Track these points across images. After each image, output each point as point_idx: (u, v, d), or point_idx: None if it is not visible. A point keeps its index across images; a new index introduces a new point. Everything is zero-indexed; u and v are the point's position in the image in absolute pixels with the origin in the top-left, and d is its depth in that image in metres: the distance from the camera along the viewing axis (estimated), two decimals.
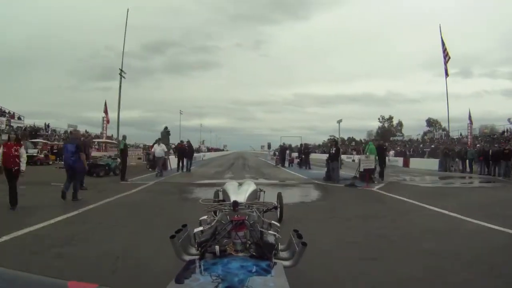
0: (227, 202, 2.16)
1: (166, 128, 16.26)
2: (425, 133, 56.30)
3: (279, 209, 4.62)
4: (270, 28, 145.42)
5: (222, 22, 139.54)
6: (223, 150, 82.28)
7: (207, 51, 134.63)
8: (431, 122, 66.33)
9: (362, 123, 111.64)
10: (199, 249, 1.65)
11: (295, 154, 22.47)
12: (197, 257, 1.62)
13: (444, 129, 55.48)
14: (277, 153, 25.71)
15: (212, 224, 1.87)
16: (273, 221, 2.08)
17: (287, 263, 1.63)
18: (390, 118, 74.72)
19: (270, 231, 1.77)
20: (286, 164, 21.48)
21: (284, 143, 21.09)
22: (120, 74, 39.40)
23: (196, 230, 1.83)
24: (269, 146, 41.09)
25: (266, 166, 21.76)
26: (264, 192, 3.54)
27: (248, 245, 1.68)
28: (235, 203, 1.94)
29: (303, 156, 20.03)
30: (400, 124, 73.30)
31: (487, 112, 78.71)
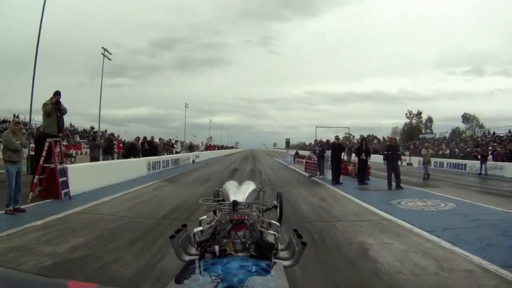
0: (227, 202, 2.11)
1: (56, 94, 6.53)
2: (454, 131, 48.52)
3: (278, 208, 4.45)
4: (280, 25, 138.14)
5: (230, 19, 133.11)
6: (232, 147, 78.87)
7: (216, 48, 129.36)
8: (467, 118, 57.99)
9: (375, 121, 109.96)
10: (199, 249, 1.60)
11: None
12: (196, 257, 1.58)
13: (481, 126, 48.17)
14: (311, 155, 15.88)
15: (212, 223, 1.82)
16: (273, 221, 2.00)
17: (287, 263, 1.57)
18: (419, 113, 66.14)
19: (270, 231, 1.72)
20: (322, 173, 12.00)
21: (338, 138, 10.68)
22: (103, 54, 33.49)
23: (195, 230, 1.77)
24: (287, 144, 31.50)
25: (297, 182, 11.63)
26: (264, 191, 3.64)
27: (247, 245, 1.62)
28: (235, 203, 1.87)
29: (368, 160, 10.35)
30: (430, 120, 64.98)
31: (499, 111, 73.55)
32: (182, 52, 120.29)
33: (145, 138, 13.67)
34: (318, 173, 12.56)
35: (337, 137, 10.73)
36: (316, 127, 16.53)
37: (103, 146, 10.58)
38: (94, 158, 9.88)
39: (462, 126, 54.31)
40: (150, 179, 10.76)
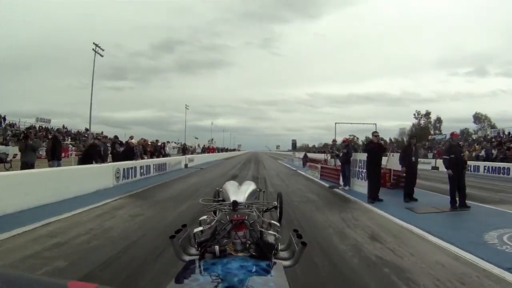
0: (227, 202, 2.08)
1: None
2: (463, 132, 46.11)
3: (279, 209, 4.47)
4: (281, 27, 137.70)
5: (231, 20, 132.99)
6: (234, 150, 77.36)
7: (217, 50, 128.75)
8: (478, 118, 55.97)
9: (378, 123, 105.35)
10: (199, 249, 1.57)
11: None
12: (197, 257, 1.55)
13: (493, 126, 46.25)
14: (327, 158, 12.84)
15: (212, 224, 1.78)
16: (273, 221, 1.95)
17: (287, 263, 1.53)
18: (428, 113, 64.04)
19: (270, 231, 1.66)
20: (348, 183, 9.15)
21: (377, 135, 7.19)
22: (94, 50, 31.79)
23: (195, 230, 1.71)
24: (294, 146, 28.48)
25: (317, 198, 8.53)
26: (264, 192, 3.66)
27: (248, 245, 1.60)
28: (235, 203, 1.83)
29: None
30: (438, 120, 62.98)
31: (502, 111, 71.27)
32: (183, 54, 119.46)
33: (116, 137, 10.69)
34: (342, 183, 9.50)
35: (375, 134, 7.56)
36: (335, 123, 13.39)
37: (45, 147, 7.64)
38: (26, 164, 6.93)
39: (473, 126, 52.65)
40: (112, 194, 7.72)
